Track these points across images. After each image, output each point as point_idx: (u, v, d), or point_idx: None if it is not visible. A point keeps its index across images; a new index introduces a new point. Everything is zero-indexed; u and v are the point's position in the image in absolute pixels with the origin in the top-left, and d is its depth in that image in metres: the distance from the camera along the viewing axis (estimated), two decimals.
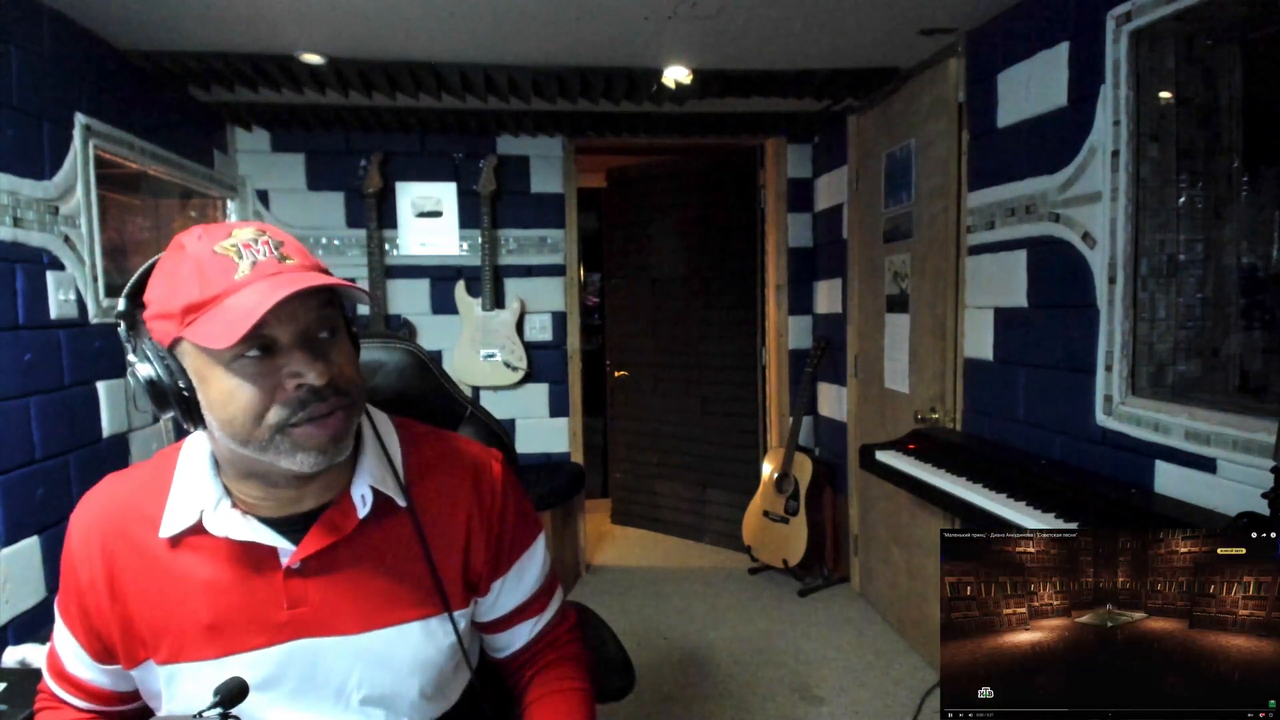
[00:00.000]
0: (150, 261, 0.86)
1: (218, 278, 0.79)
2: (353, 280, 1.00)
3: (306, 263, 0.85)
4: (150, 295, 0.84)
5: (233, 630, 0.89)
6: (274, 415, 0.81)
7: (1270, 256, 1.86)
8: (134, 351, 0.84)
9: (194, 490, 0.90)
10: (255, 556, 0.89)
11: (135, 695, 0.97)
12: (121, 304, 0.85)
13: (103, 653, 0.93)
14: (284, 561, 0.89)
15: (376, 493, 0.93)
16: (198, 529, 0.89)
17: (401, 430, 1.01)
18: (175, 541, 0.89)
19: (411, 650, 0.94)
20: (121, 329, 0.86)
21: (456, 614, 0.96)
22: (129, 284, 0.86)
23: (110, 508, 0.93)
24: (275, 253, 0.82)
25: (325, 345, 0.84)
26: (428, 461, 0.99)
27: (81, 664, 0.95)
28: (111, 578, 0.90)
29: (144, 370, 0.82)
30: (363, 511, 0.92)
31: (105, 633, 0.91)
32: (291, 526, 0.90)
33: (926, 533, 2.80)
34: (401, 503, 0.94)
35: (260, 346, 0.79)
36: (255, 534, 0.88)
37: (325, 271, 0.86)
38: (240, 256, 0.81)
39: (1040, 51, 2.13)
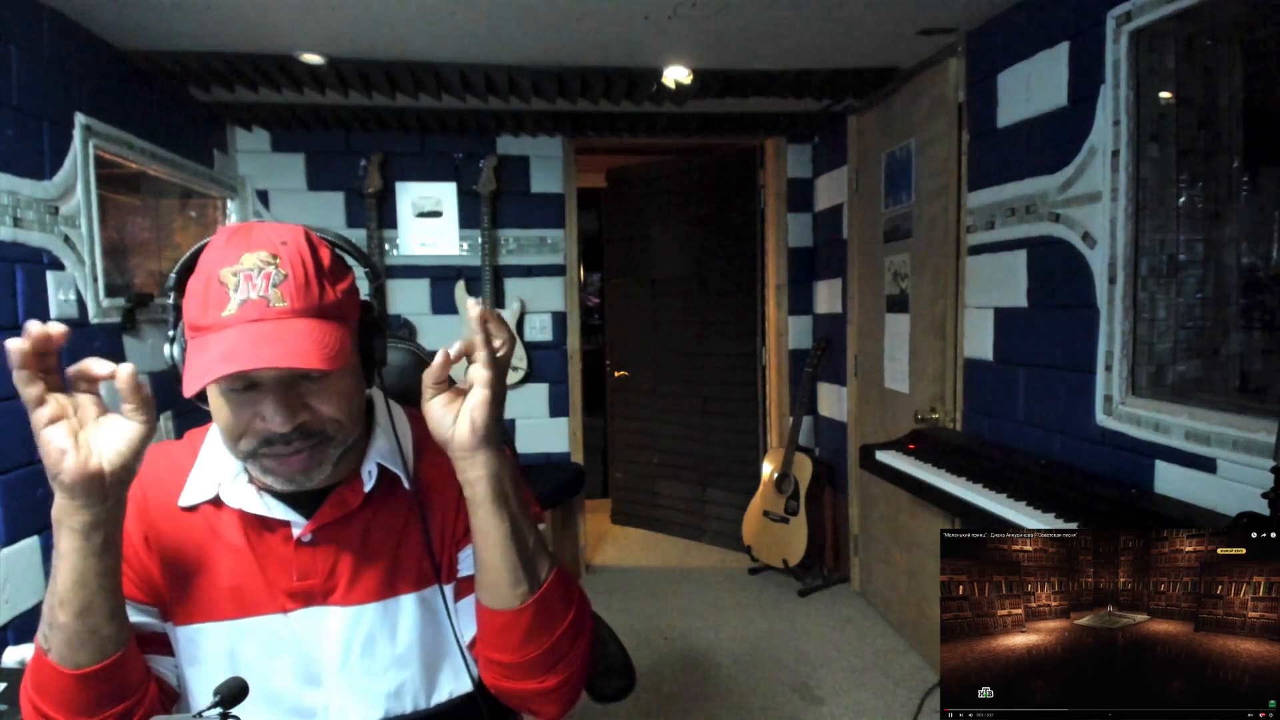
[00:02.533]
0: (200, 245, 0.87)
1: (213, 307, 0.81)
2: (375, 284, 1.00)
3: (299, 305, 0.82)
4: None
5: (246, 596, 0.93)
6: (244, 444, 0.86)
7: (1270, 256, 1.86)
8: (173, 328, 0.89)
9: (215, 465, 0.95)
10: (267, 528, 0.94)
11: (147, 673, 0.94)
12: (172, 279, 0.90)
13: (137, 580, 0.92)
14: (295, 534, 0.93)
15: (383, 470, 0.96)
16: (215, 501, 0.94)
17: (414, 420, 1.04)
18: (193, 511, 0.94)
19: (410, 621, 0.96)
20: (171, 299, 0.89)
21: (448, 587, 0.98)
22: (179, 263, 0.89)
23: (144, 474, 0.93)
24: (271, 290, 0.81)
25: (306, 388, 0.85)
26: (426, 438, 0.99)
27: None
28: (145, 534, 0.93)
29: (167, 351, 0.90)
30: (368, 485, 0.95)
31: (139, 567, 0.92)
32: (303, 501, 0.94)
33: (926, 533, 2.80)
34: (406, 483, 0.97)
35: (241, 384, 0.83)
36: (268, 509, 0.93)
37: (326, 313, 0.84)
38: (235, 290, 0.81)
39: (1040, 51, 2.13)
